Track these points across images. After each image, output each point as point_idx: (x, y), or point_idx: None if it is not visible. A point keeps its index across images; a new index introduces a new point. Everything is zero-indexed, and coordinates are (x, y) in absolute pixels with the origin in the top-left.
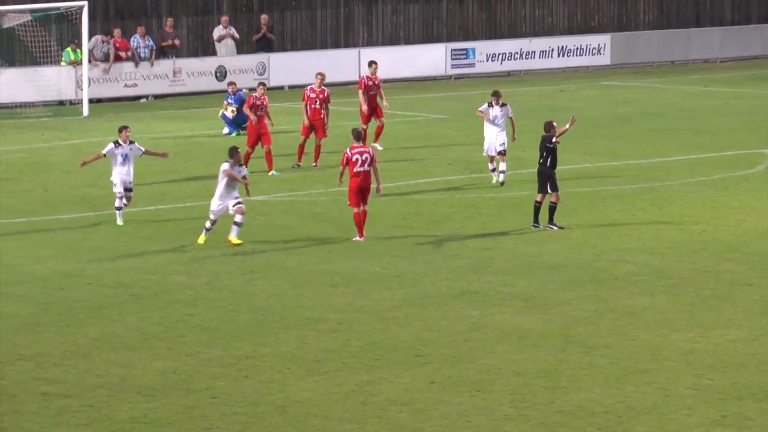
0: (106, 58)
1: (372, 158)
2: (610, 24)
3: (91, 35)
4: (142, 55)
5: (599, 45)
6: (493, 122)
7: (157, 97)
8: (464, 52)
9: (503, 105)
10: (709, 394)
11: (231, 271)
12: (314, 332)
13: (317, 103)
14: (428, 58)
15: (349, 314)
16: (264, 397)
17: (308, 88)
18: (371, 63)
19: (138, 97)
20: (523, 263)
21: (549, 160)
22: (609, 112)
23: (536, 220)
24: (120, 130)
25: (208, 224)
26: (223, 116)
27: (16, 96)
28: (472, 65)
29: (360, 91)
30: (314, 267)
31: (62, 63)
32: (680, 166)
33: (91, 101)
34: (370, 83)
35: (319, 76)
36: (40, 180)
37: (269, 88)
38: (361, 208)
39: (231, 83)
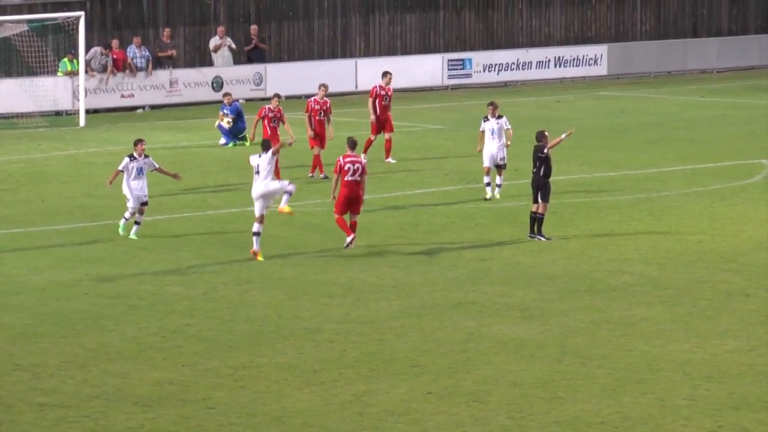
0: (104, 70)
1: (363, 169)
2: (607, 34)
3: (88, 46)
4: (139, 65)
5: (596, 55)
6: (491, 135)
7: (153, 107)
8: (461, 62)
9: (499, 117)
10: (705, 404)
11: (228, 282)
12: (311, 343)
13: (321, 115)
14: (425, 69)
15: (346, 325)
16: (260, 407)
17: (312, 99)
18: (385, 73)
19: (135, 108)
20: (520, 274)
21: (542, 169)
22: (606, 123)
23: (532, 231)
24: (135, 144)
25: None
26: (220, 127)
27: (14, 106)
28: (468, 75)
29: (371, 100)
30: (311, 277)
31: (59, 73)
32: (677, 177)
33: (87, 111)
34: (383, 93)
35: (322, 88)
36: (37, 190)
37: (265, 99)
38: (351, 219)
39: (226, 94)
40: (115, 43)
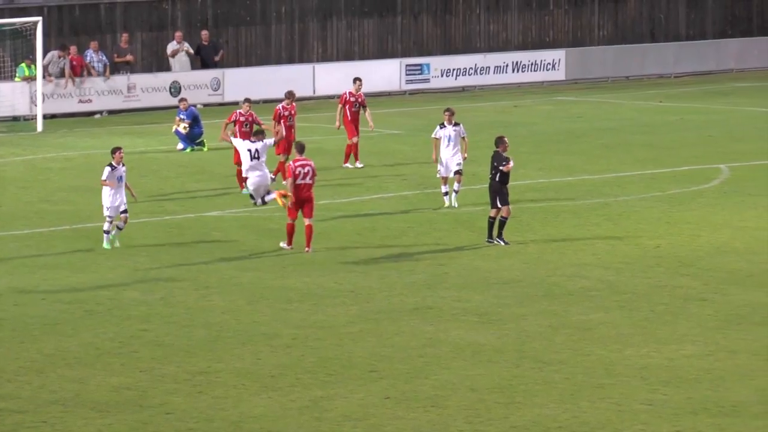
0: (62, 74)
1: (313, 172)
2: (564, 39)
3: (45, 51)
4: (96, 70)
5: (554, 60)
6: (447, 143)
7: (111, 112)
8: (419, 67)
9: (456, 124)
10: (663, 409)
11: (185, 287)
12: (269, 348)
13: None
14: (383, 74)
15: (304, 330)
16: (218, 413)
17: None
18: (356, 79)
19: (93, 113)
20: (478, 279)
21: (498, 175)
22: (564, 128)
23: (490, 236)
24: (113, 152)
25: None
26: (177, 132)
27: None
28: (426, 80)
29: (339, 106)
30: (269, 282)
31: (16, 79)
32: (635, 182)
33: (45, 117)
34: (353, 99)
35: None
36: None
37: (223, 104)
38: (306, 222)
39: (182, 99)
40: (73, 49)
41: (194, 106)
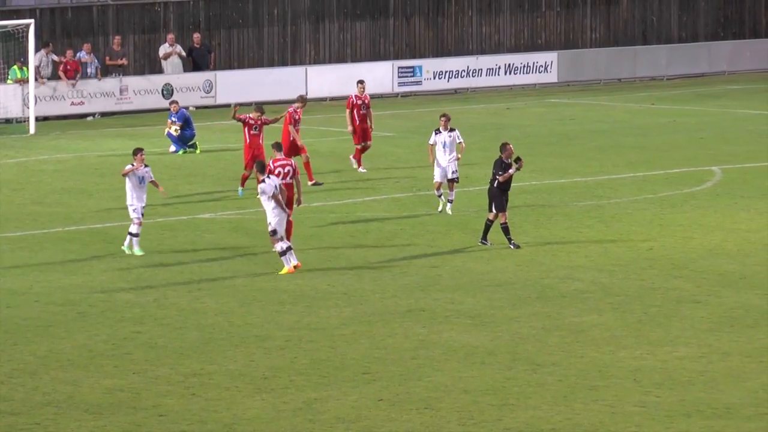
0: (53, 73)
1: (294, 170)
2: (557, 42)
3: (37, 53)
4: (88, 71)
5: (546, 63)
6: (442, 148)
7: (103, 114)
8: (411, 69)
9: (452, 130)
10: (656, 411)
11: (178, 289)
12: (262, 350)
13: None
14: (375, 76)
15: (297, 332)
16: (211, 414)
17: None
18: (359, 82)
19: (85, 115)
20: (471, 281)
21: (496, 182)
22: (556, 130)
23: (485, 237)
24: (135, 153)
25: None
26: (169, 135)
27: None
28: (419, 83)
29: (348, 111)
30: (262, 284)
31: (8, 81)
32: (627, 184)
33: (37, 119)
34: (359, 102)
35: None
36: None
37: (215, 106)
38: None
39: (173, 102)
40: (69, 53)
41: (186, 108)
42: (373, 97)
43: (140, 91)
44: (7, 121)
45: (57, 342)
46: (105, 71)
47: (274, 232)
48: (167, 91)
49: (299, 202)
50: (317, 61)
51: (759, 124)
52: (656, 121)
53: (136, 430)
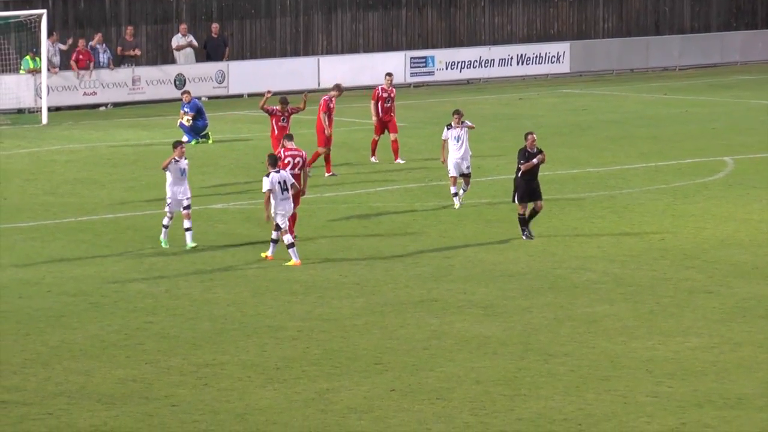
0: (61, 61)
1: (304, 161)
2: (569, 32)
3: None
4: (100, 62)
5: (558, 53)
6: (455, 142)
7: (116, 105)
8: (423, 60)
9: (463, 122)
10: (668, 401)
11: (190, 279)
12: (274, 340)
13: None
14: (387, 66)
15: (309, 322)
16: (223, 405)
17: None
18: (387, 75)
19: (97, 105)
20: (483, 271)
21: (520, 171)
22: (568, 120)
23: (524, 231)
24: (175, 146)
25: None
26: (181, 125)
27: None
28: (431, 73)
29: (372, 102)
30: (274, 275)
31: (21, 71)
32: (640, 174)
33: (50, 109)
34: (385, 95)
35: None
36: None
37: (228, 97)
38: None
39: (185, 92)
40: (81, 42)
41: (198, 98)
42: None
43: (153, 81)
44: (20, 111)
45: (69, 332)
46: (117, 61)
47: (277, 227)
48: (180, 82)
49: (303, 193)
50: (329, 51)
51: None
52: (668, 112)
53: (149, 420)
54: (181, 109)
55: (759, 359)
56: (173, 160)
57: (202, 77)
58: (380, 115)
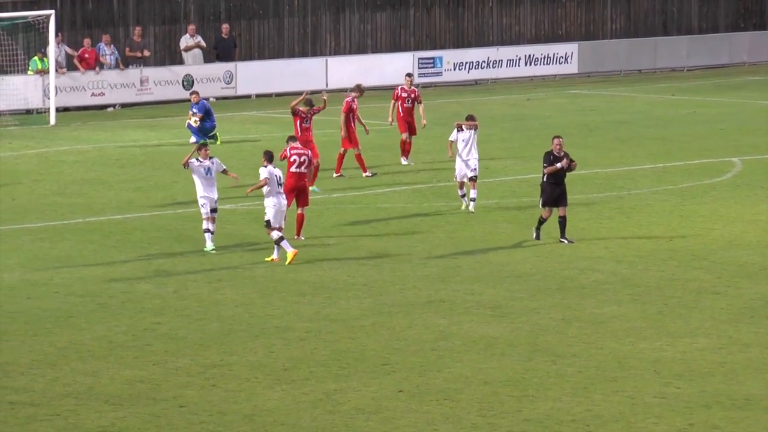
0: (68, 62)
1: (310, 161)
2: (577, 32)
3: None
4: (108, 63)
5: (567, 53)
6: (464, 145)
7: (124, 105)
8: (431, 60)
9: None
10: (676, 402)
11: (198, 280)
12: (282, 341)
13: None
14: (395, 67)
15: (317, 323)
16: (231, 405)
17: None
18: (407, 75)
19: (105, 106)
20: (491, 272)
21: (545, 175)
22: (576, 121)
23: (563, 236)
24: (199, 149)
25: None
26: (189, 126)
27: None
28: (439, 74)
29: (392, 102)
30: (282, 276)
31: (29, 72)
32: (648, 175)
33: (58, 110)
34: (405, 95)
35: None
36: (7, 189)
37: (236, 97)
38: (300, 210)
39: (193, 92)
40: (87, 42)
41: (206, 99)
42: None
43: (161, 82)
44: (28, 112)
45: (77, 333)
46: (126, 62)
47: (267, 223)
48: (188, 82)
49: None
50: (337, 52)
51: None
52: (676, 112)
53: (156, 421)
54: (190, 110)
55: (767, 360)
56: (197, 160)
57: (210, 78)
58: (402, 114)
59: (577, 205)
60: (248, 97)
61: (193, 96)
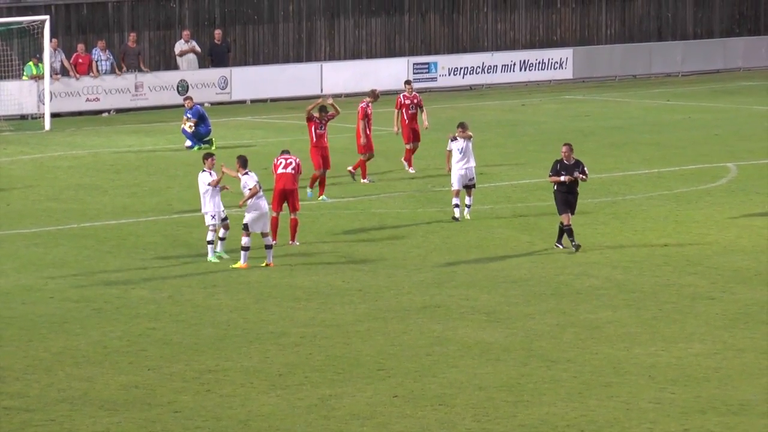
0: (61, 68)
1: (297, 167)
2: (572, 38)
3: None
4: (103, 68)
5: (561, 59)
6: (459, 154)
7: (119, 111)
8: (426, 66)
9: (469, 138)
10: (671, 407)
11: (193, 285)
12: (277, 346)
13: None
14: (390, 72)
15: (312, 328)
16: (226, 411)
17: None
18: (407, 82)
19: (100, 111)
20: (486, 277)
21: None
22: (571, 126)
23: (572, 241)
24: (204, 159)
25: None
26: (184, 131)
27: None
28: (434, 79)
29: (396, 111)
30: (276, 281)
31: (24, 77)
32: (643, 180)
33: (53, 115)
34: (407, 102)
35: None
36: (1, 194)
37: (231, 103)
38: (292, 216)
39: (187, 98)
40: (81, 47)
41: (201, 104)
42: (387, 93)
43: (155, 87)
44: (23, 117)
45: (72, 338)
46: (120, 67)
47: (245, 226)
48: (182, 88)
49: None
50: (332, 57)
51: None
52: (671, 118)
53: (151, 427)
54: (184, 115)
55: (762, 365)
56: (210, 172)
57: (205, 83)
58: (407, 122)
59: None
60: (243, 102)
61: (187, 101)
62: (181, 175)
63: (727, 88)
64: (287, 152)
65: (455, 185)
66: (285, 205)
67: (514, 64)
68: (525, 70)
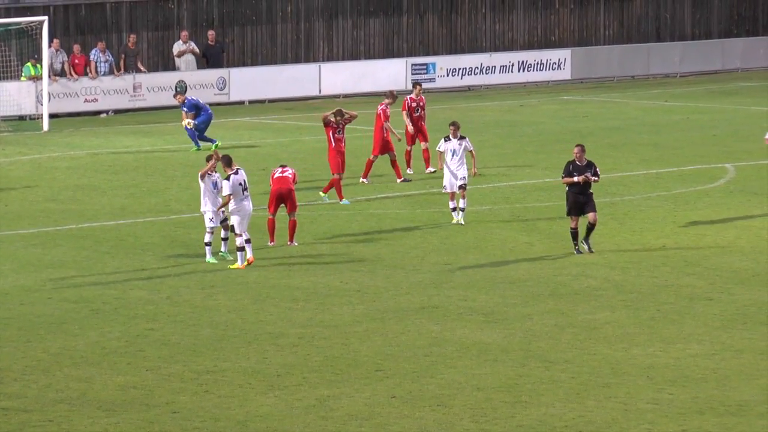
0: (62, 70)
1: (294, 175)
2: (570, 38)
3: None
4: (102, 69)
5: (560, 60)
6: (451, 156)
7: (117, 111)
8: (424, 66)
9: (461, 138)
10: (669, 408)
11: (191, 286)
12: (275, 347)
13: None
14: (388, 73)
15: (310, 329)
16: (224, 412)
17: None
18: (415, 84)
19: (98, 112)
20: (484, 278)
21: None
22: (569, 127)
23: (575, 244)
24: (208, 160)
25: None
26: (187, 130)
27: None
28: (432, 80)
29: (404, 113)
30: (275, 282)
31: (22, 78)
32: (641, 181)
33: (51, 116)
34: (414, 105)
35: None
36: (0, 195)
37: (229, 103)
38: (290, 217)
39: (176, 95)
40: (77, 48)
41: (190, 98)
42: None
43: (154, 88)
44: (21, 118)
45: (70, 339)
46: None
47: (231, 228)
48: (181, 88)
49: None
50: (330, 58)
51: None
52: (669, 119)
53: (149, 427)
54: (182, 112)
55: (760, 366)
56: (208, 174)
57: (204, 84)
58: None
59: None
60: (241, 103)
61: (178, 97)
62: (180, 176)
63: (725, 89)
64: (284, 165)
65: (447, 188)
66: (282, 206)
67: (513, 65)
68: (523, 70)
